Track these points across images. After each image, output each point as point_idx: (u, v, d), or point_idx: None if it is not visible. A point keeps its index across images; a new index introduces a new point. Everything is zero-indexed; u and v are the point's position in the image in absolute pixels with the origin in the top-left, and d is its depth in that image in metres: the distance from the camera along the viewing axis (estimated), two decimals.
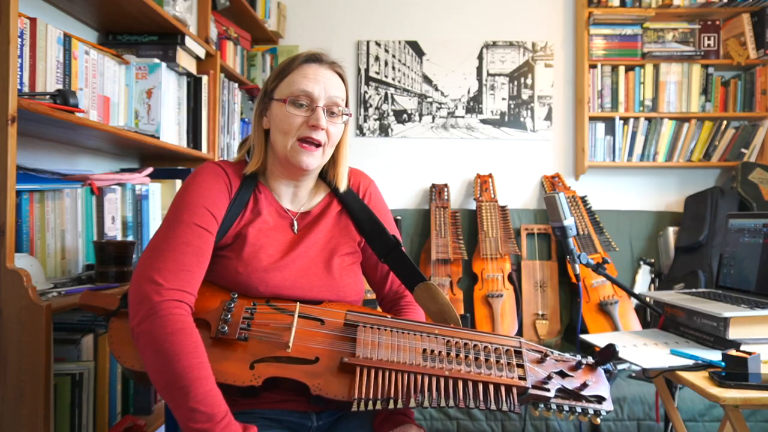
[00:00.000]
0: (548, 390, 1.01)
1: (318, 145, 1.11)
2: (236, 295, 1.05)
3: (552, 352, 1.08)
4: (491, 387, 0.98)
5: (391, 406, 0.93)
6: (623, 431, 2.15)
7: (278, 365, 0.96)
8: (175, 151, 1.91)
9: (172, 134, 1.94)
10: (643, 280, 2.93)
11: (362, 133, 3.20)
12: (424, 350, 1.01)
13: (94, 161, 1.87)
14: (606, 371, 1.10)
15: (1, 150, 1.10)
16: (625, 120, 3.09)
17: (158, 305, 0.93)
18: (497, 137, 3.21)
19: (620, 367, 2.29)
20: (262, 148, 1.16)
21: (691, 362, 1.26)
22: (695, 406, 2.15)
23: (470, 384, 0.98)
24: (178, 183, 1.95)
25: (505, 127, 3.21)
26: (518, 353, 1.06)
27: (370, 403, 0.92)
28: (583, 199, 3.00)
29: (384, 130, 3.21)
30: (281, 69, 1.14)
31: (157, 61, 1.82)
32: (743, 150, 3.02)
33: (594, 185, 3.17)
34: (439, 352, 1.02)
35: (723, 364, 1.19)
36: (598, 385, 1.06)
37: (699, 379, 1.18)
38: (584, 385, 1.04)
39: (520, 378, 1.01)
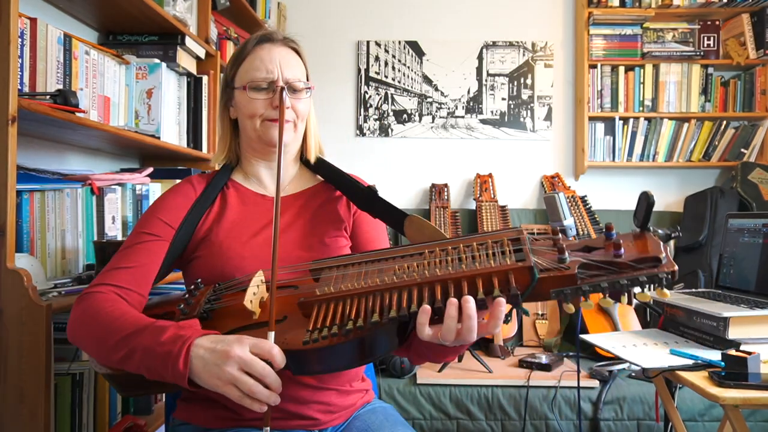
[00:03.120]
0: (567, 268, 0.76)
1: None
2: (200, 281, 1.03)
3: (567, 233, 0.84)
4: (479, 281, 0.77)
5: (350, 326, 0.78)
6: (623, 431, 2.15)
7: (245, 333, 0.88)
8: (175, 151, 1.91)
9: (172, 134, 1.94)
10: None
11: (362, 133, 3.20)
12: (396, 269, 0.84)
13: (94, 161, 1.87)
14: (663, 237, 0.81)
15: (1, 150, 1.10)
16: (625, 120, 3.10)
17: (79, 298, 0.96)
18: (497, 137, 3.21)
19: (620, 366, 2.29)
20: (229, 137, 1.17)
21: (690, 362, 1.26)
22: (695, 406, 2.15)
23: (451, 285, 0.78)
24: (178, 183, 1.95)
25: (505, 127, 3.21)
26: (517, 242, 0.82)
27: (325, 330, 0.78)
28: (583, 199, 3.00)
29: (384, 130, 3.21)
30: (236, 56, 1.14)
31: (157, 61, 1.82)
32: (743, 150, 3.02)
33: (594, 185, 3.17)
34: (413, 266, 0.84)
35: (723, 364, 1.19)
36: (645, 246, 0.77)
37: (699, 379, 1.18)
38: (617, 248, 0.75)
39: (518, 260, 0.77)
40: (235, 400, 0.81)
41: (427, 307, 0.77)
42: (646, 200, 0.82)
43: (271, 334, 0.82)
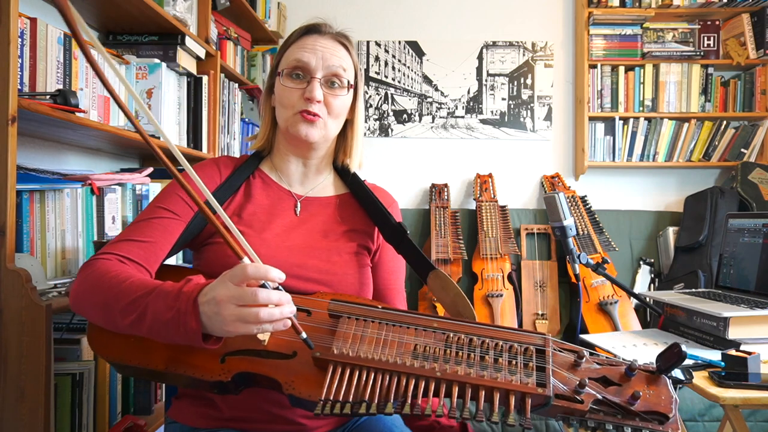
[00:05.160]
0: (581, 402, 0.79)
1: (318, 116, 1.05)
2: None
3: (592, 353, 0.86)
4: (496, 394, 0.78)
5: (363, 410, 0.78)
6: None
7: (251, 359, 0.86)
8: None
9: (173, 134, 1.94)
10: (643, 280, 2.93)
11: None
12: (416, 346, 0.84)
13: (94, 161, 1.87)
14: (676, 382, 0.86)
15: (1, 150, 1.10)
16: (625, 120, 3.10)
17: (84, 265, 0.91)
18: (497, 137, 3.21)
19: None
20: (269, 125, 1.12)
21: (691, 362, 1.26)
22: (695, 406, 2.15)
23: (468, 389, 0.79)
24: None
25: (505, 127, 3.21)
26: (541, 353, 0.83)
27: (338, 405, 0.78)
28: (583, 199, 3.00)
29: (384, 130, 3.21)
30: (284, 43, 1.10)
31: (157, 61, 1.82)
32: (743, 150, 3.02)
33: (594, 185, 3.17)
34: (435, 350, 0.84)
35: (723, 364, 1.19)
36: (659, 397, 0.80)
37: (699, 379, 1.18)
38: (634, 398, 0.79)
39: (539, 384, 0.79)
40: (256, 333, 0.78)
41: None
42: (678, 355, 0.81)
43: (245, 260, 0.79)
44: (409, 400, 0.78)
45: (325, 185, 1.15)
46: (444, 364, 0.81)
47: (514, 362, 0.82)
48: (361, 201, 1.15)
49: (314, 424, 1.01)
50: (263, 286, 0.78)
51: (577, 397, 0.79)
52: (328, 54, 1.05)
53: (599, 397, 0.79)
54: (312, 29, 1.08)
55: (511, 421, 0.76)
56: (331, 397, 0.79)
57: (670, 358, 0.81)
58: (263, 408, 0.98)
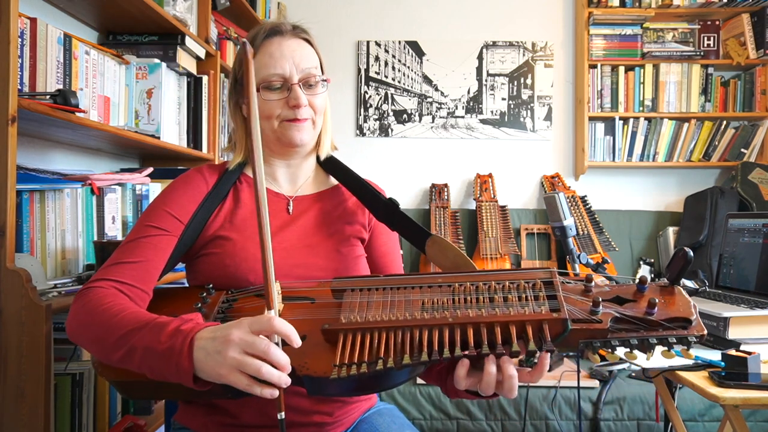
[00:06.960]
0: (599, 321, 0.76)
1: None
2: (211, 286, 0.97)
3: (602, 279, 0.84)
4: (512, 328, 0.76)
5: (380, 366, 0.76)
6: (623, 431, 2.15)
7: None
8: (175, 151, 1.91)
9: (172, 134, 1.94)
10: None
11: (362, 133, 3.20)
12: (424, 302, 0.82)
13: (94, 161, 1.87)
14: (691, 291, 0.83)
15: (1, 150, 1.10)
16: (625, 120, 3.10)
17: (78, 295, 0.90)
18: (497, 137, 3.22)
19: (620, 366, 2.29)
20: (245, 137, 1.11)
21: (690, 362, 1.26)
22: (695, 406, 2.15)
23: (483, 329, 0.76)
24: None
25: (505, 127, 3.21)
26: (549, 285, 0.82)
27: (354, 367, 0.76)
28: (583, 199, 3.00)
29: (384, 130, 3.21)
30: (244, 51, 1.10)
31: (157, 61, 1.82)
32: (743, 150, 3.02)
33: (594, 185, 3.17)
34: (443, 301, 0.82)
35: (723, 364, 1.19)
36: (676, 304, 0.78)
37: (699, 379, 1.18)
38: (651, 306, 0.77)
39: (553, 310, 0.76)
40: (243, 388, 0.74)
41: (466, 361, 0.77)
42: (684, 258, 0.80)
43: (271, 312, 0.78)
44: (425, 349, 0.76)
45: (313, 182, 1.16)
46: (455, 311, 0.79)
47: (524, 297, 0.80)
48: (348, 186, 1.15)
49: (329, 422, 1.01)
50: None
51: (594, 318, 0.77)
52: (297, 57, 1.05)
53: (616, 314, 0.77)
54: (271, 32, 1.08)
55: (531, 347, 0.74)
56: (346, 361, 0.76)
57: (677, 263, 0.79)
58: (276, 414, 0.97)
